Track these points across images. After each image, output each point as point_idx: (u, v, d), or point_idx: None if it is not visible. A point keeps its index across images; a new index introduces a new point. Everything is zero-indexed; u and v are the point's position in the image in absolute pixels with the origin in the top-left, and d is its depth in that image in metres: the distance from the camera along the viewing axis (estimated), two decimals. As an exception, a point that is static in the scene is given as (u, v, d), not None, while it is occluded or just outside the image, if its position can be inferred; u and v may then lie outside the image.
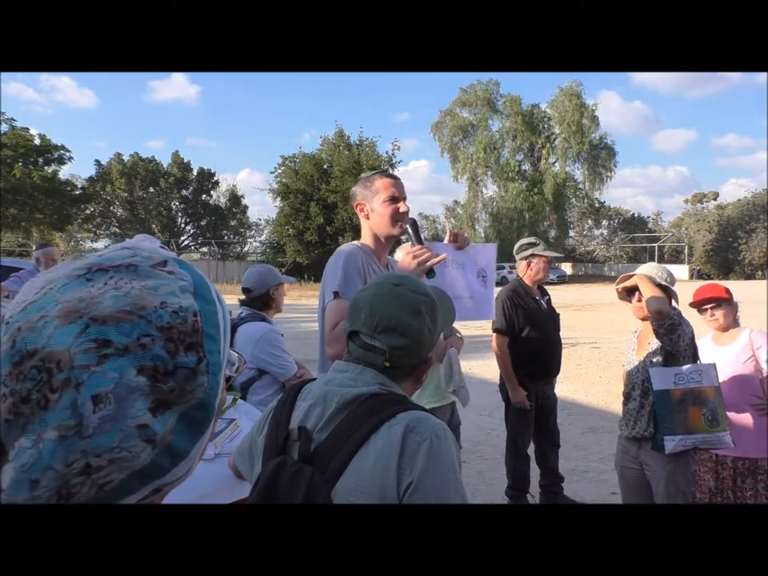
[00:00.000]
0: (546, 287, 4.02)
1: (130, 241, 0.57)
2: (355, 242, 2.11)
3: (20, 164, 28.63)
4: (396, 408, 1.10)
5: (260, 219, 53.79)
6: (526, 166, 43.18)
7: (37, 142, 30.36)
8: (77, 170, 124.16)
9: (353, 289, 1.80)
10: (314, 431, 1.12)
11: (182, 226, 43.42)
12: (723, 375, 2.71)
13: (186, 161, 41.94)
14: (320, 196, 30.10)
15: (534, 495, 3.81)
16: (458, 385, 2.83)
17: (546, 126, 42.44)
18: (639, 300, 2.66)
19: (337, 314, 1.79)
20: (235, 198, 44.11)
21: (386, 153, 32.31)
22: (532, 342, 3.67)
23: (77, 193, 32.98)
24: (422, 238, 1.97)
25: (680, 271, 35.22)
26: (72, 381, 0.43)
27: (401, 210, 2.00)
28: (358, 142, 31.82)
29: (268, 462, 1.15)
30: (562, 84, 40.49)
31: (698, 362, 2.65)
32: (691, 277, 37.79)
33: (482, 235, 40.80)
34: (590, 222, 52.19)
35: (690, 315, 2.75)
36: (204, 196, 42.98)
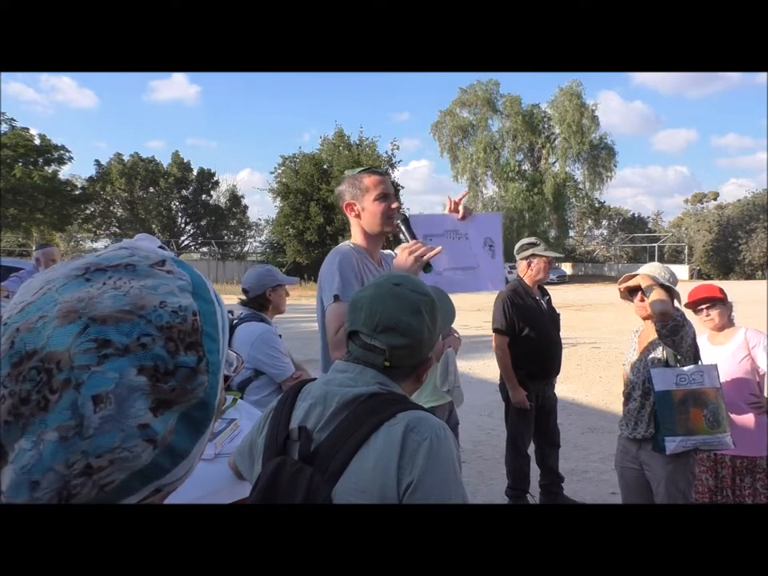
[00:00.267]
0: (546, 287, 4.02)
1: (127, 240, 0.57)
2: (348, 242, 2.10)
3: (20, 164, 28.63)
4: (396, 408, 1.10)
5: (260, 219, 53.80)
6: (526, 166, 43.15)
7: (37, 141, 30.36)
8: (77, 170, 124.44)
9: (351, 291, 1.80)
10: (314, 431, 1.12)
11: (182, 225, 43.42)
12: (719, 374, 2.72)
13: (186, 161, 41.94)
14: (320, 196, 30.08)
15: (534, 495, 3.81)
16: (453, 385, 2.83)
17: (546, 125, 42.42)
18: (642, 300, 2.66)
19: (339, 318, 1.79)
20: (235, 198, 44.10)
21: (386, 153, 32.36)
22: (532, 342, 3.67)
23: (77, 193, 32.97)
24: (415, 233, 1.97)
25: (680, 271, 35.18)
26: (72, 381, 0.43)
27: (392, 207, 2.00)
28: (357, 142, 31.83)
29: (268, 461, 1.15)
30: (562, 84, 40.50)
31: (700, 362, 2.65)
32: (691, 277, 37.79)
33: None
34: (590, 221, 52.17)
35: (687, 315, 2.75)
36: (204, 196, 42.97)
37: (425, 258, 1.81)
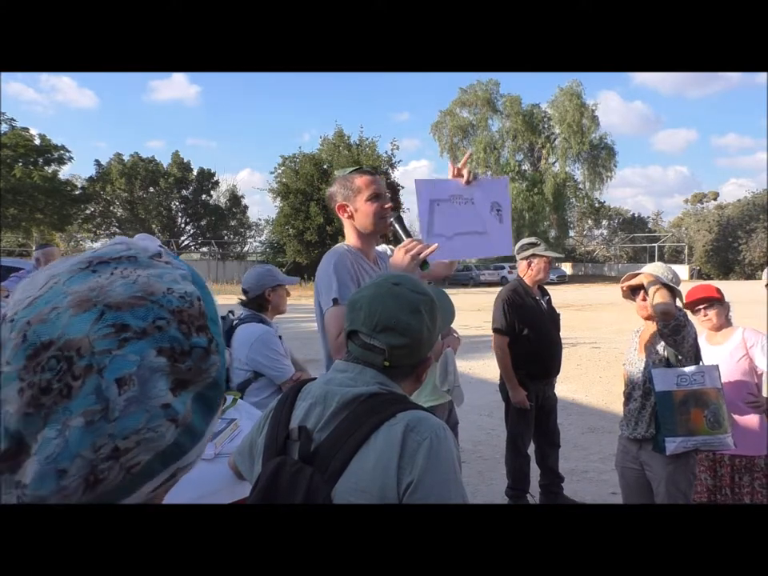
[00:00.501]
0: (546, 287, 4.02)
1: (120, 237, 0.58)
2: (342, 244, 2.10)
3: (20, 164, 28.65)
4: (396, 407, 1.10)
5: (260, 219, 53.79)
6: (526, 166, 43.19)
7: (37, 141, 30.37)
8: (77, 170, 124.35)
9: (349, 293, 1.79)
10: (314, 431, 1.12)
11: (182, 225, 43.43)
12: None
13: (186, 161, 41.96)
14: (320, 196, 30.04)
15: (534, 495, 3.81)
16: (453, 384, 2.83)
17: (546, 125, 42.44)
18: (644, 299, 2.65)
19: (339, 321, 1.78)
20: (235, 198, 44.11)
21: (386, 153, 32.37)
22: (532, 342, 3.67)
23: (77, 193, 32.99)
24: (409, 231, 1.96)
25: (680, 271, 34.68)
26: (94, 366, 0.44)
27: (385, 207, 1.99)
28: (357, 142, 31.83)
29: (268, 461, 1.15)
30: (562, 84, 40.56)
31: (701, 363, 2.65)
32: (691, 277, 37.80)
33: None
34: (590, 221, 52.18)
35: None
36: (204, 196, 42.99)
37: (421, 255, 1.81)
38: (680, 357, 2.56)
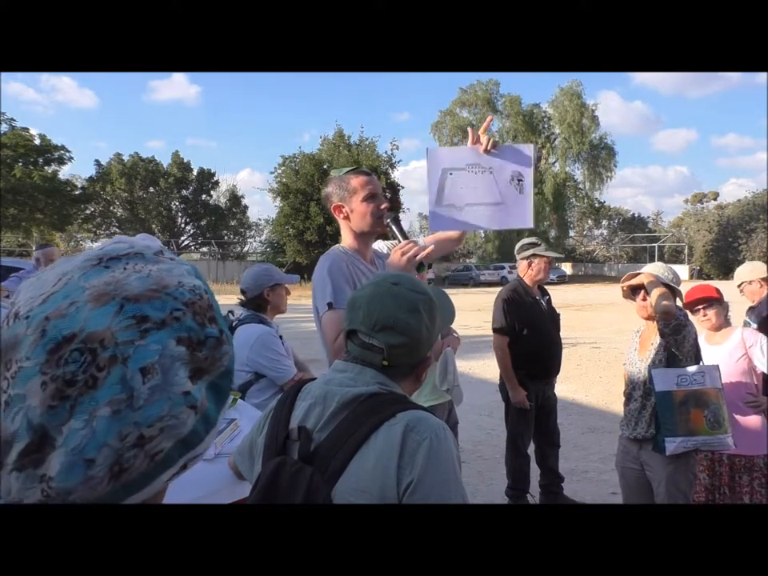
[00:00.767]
0: (546, 287, 4.02)
1: (119, 236, 0.59)
2: (337, 246, 2.08)
3: (20, 164, 28.65)
4: (396, 407, 1.10)
5: (260, 219, 53.70)
6: (526, 166, 43.10)
7: (37, 141, 30.38)
8: (77, 170, 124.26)
9: (344, 296, 1.79)
10: (314, 431, 1.12)
11: (182, 225, 43.44)
12: None
13: (186, 161, 41.97)
14: (320, 196, 29.97)
15: (534, 495, 3.81)
16: (452, 384, 2.82)
17: (546, 125, 42.46)
18: (644, 299, 2.66)
19: (335, 325, 1.78)
20: (235, 198, 44.11)
21: (386, 153, 32.35)
22: (532, 342, 3.67)
23: (77, 193, 33.00)
24: (406, 231, 1.96)
25: (680, 271, 34.68)
26: (118, 357, 0.45)
27: (381, 207, 1.98)
28: (357, 142, 31.83)
29: (268, 461, 1.15)
30: (562, 84, 40.59)
31: (701, 363, 2.65)
32: (691, 277, 37.78)
33: (482, 234, 40.83)
34: (590, 221, 52.18)
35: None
36: (204, 196, 43.00)
37: (417, 258, 1.80)
38: (680, 357, 2.56)
